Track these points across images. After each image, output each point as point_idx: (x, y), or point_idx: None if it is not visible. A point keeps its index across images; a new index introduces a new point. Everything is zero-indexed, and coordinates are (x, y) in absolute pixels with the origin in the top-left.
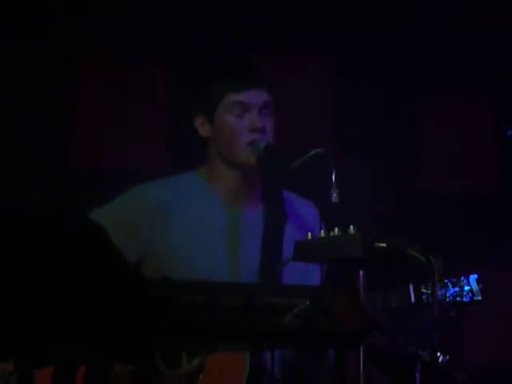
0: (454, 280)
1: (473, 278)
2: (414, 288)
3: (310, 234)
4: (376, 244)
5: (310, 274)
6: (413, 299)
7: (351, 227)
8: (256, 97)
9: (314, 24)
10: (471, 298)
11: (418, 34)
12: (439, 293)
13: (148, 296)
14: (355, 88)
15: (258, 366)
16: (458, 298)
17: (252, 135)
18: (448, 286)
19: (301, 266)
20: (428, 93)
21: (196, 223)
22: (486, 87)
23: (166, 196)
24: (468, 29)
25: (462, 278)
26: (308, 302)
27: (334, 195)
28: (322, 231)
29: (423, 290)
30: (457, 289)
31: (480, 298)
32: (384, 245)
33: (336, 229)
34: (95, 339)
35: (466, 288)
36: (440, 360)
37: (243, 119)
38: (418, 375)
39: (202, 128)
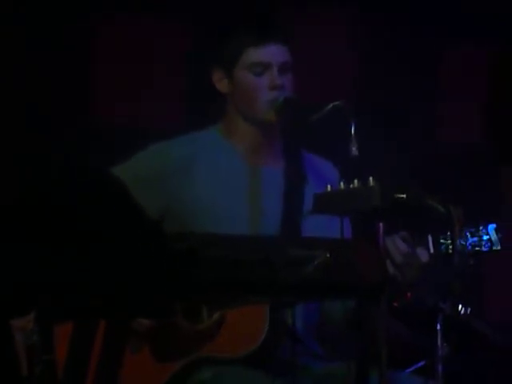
0: (473, 230)
1: (491, 227)
2: (432, 239)
3: (329, 186)
4: (395, 195)
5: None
6: (432, 250)
7: (370, 179)
8: (276, 54)
9: None
10: (490, 248)
11: None
12: (458, 243)
13: (168, 250)
14: (376, 42)
15: (278, 321)
16: (477, 248)
17: (272, 93)
18: (467, 235)
19: (322, 221)
20: (450, 41)
21: (217, 178)
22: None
23: (187, 152)
24: None
25: (481, 228)
26: (328, 254)
27: (354, 148)
28: (342, 183)
29: (442, 241)
30: (475, 239)
31: (499, 247)
32: (403, 196)
33: (355, 181)
34: (115, 294)
35: (485, 237)
36: (462, 312)
37: (263, 77)
38: (439, 327)
39: (220, 83)
